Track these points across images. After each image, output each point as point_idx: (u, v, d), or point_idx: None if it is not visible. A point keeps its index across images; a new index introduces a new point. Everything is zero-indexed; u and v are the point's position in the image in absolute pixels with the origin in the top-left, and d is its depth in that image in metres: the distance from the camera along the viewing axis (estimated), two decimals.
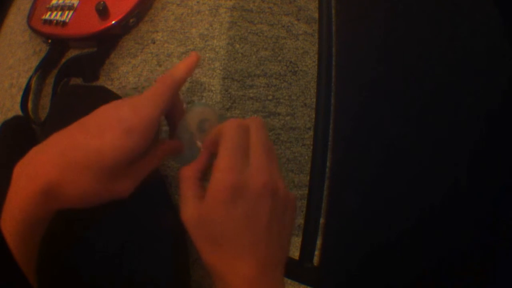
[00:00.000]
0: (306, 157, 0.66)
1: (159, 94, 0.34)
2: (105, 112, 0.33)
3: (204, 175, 0.37)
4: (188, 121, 0.40)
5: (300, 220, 0.60)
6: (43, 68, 0.77)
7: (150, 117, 0.33)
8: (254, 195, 0.32)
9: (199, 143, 0.40)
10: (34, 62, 0.79)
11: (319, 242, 0.58)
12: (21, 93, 0.74)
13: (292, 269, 0.57)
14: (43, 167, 0.31)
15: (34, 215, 0.31)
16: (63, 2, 0.76)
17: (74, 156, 0.31)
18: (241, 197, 0.32)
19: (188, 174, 0.36)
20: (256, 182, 0.33)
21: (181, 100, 0.40)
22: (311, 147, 0.65)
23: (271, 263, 0.34)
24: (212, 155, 0.37)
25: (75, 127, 0.33)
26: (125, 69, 0.74)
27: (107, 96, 0.59)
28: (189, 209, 0.34)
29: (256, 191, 0.32)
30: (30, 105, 0.75)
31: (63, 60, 0.77)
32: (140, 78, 0.73)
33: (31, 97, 0.75)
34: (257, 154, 0.34)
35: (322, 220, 0.59)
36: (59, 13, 0.76)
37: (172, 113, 0.39)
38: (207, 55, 0.72)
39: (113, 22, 0.72)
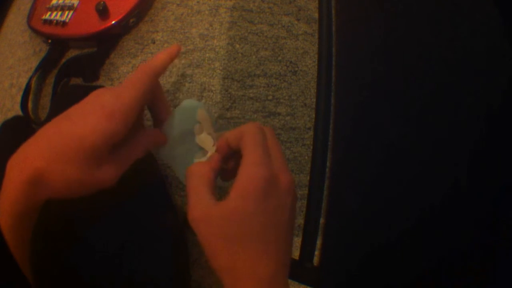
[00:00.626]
0: (306, 157, 0.66)
1: (138, 80, 0.35)
2: (88, 100, 0.34)
3: (217, 175, 0.37)
4: (181, 118, 0.39)
5: (300, 220, 0.60)
6: (43, 68, 0.77)
7: (130, 101, 0.34)
8: (282, 191, 0.34)
9: (199, 142, 0.40)
10: (34, 62, 0.79)
11: (319, 242, 0.58)
12: (21, 93, 0.74)
13: (292, 269, 0.57)
14: (30, 157, 0.32)
15: (23, 207, 0.31)
16: (63, 2, 0.76)
17: (59, 143, 0.32)
18: (272, 192, 0.33)
19: (202, 170, 0.36)
20: (283, 178, 0.34)
21: (164, 94, 0.40)
22: (311, 147, 0.65)
23: (285, 262, 0.34)
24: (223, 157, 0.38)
25: (61, 117, 0.34)
26: (125, 69, 0.74)
27: None
28: (204, 206, 0.33)
29: (284, 187, 0.34)
30: (30, 105, 0.75)
31: (63, 60, 0.77)
32: None
33: (31, 97, 0.75)
34: (278, 154, 0.35)
35: (322, 220, 0.59)
36: (59, 13, 0.76)
37: (155, 105, 0.39)
38: (207, 55, 0.72)
39: (113, 22, 0.72)
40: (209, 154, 0.39)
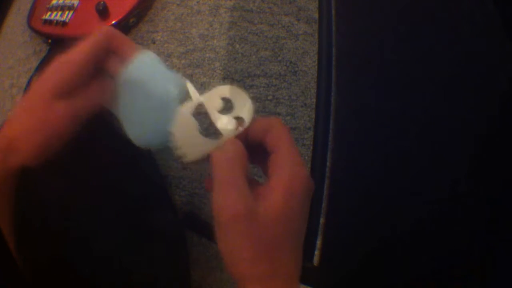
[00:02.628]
0: (306, 157, 0.66)
1: (92, 38, 0.37)
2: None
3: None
4: (137, 71, 0.37)
5: None
6: (43, 68, 0.76)
7: (82, 53, 0.36)
8: (311, 193, 0.32)
9: (219, 122, 0.35)
10: (34, 62, 0.79)
11: (319, 242, 0.58)
12: (21, 93, 0.74)
13: None
14: (5, 127, 0.35)
15: None
16: (63, 2, 0.76)
17: (23, 103, 0.35)
18: (309, 193, 0.32)
19: (240, 158, 0.32)
20: (310, 181, 0.32)
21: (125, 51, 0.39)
22: (311, 147, 0.65)
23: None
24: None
25: None
26: None
27: None
28: (248, 202, 0.29)
29: (311, 190, 0.32)
30: None
31: None
32: None
33: None
34: None
35: (322, 220, 0.59)
36: (59, 13, 0.76)
37: (109, 62, 0.39)
38: (207, 55, 0.72)
39: (113, 22, 0.72)
40: (223, 138, 0.34)
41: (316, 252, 0.57)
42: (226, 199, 0.29)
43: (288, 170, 0.31)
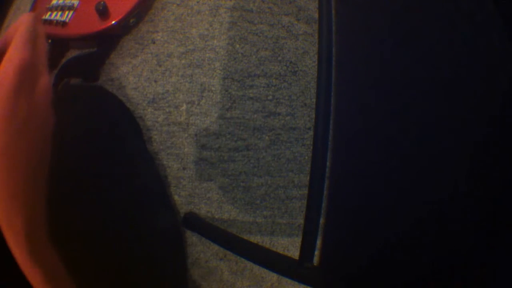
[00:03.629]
0: (306, 157, 0.66)
1: None
2: None
3: None
4: None
5: (300, 220, 0.60)
6: None
7: None
8: (41, 92, 0.30)
9: None
10: None
11: (319, 242, 0.58)
12: None
13: (292, 269, 0.57)
14: None
15: None
16: (63, 2, 0.76)
17: None
18: (28, 88, 0.29)
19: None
20: (43, 79, 0.31)
21: None
22: (311, 147, 0.65)
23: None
24: None
25: None
26: (125, 69, 0.74)
27: (107, 96, 0.59)
28: None
29: (43, 87, 0.31)
30: None
31: (63, 60, 0.77)
32: (140, 78, 0.73)
33: None
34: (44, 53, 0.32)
35: (322, 220, 0.58)
36: (59, 13, 0.76)
37: None
38: (207, 55, 0.72)
39: (113, 22, 0.72)
40: None
41: (316, 252, 0.57)
42: None
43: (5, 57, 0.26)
